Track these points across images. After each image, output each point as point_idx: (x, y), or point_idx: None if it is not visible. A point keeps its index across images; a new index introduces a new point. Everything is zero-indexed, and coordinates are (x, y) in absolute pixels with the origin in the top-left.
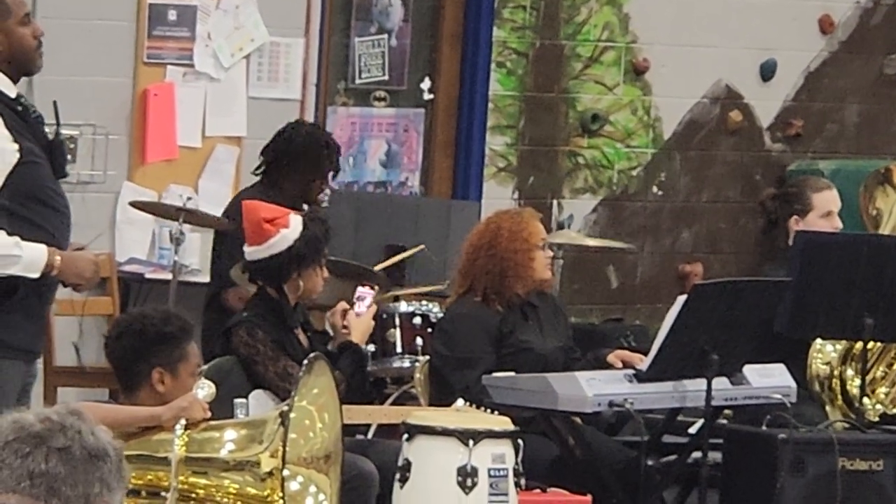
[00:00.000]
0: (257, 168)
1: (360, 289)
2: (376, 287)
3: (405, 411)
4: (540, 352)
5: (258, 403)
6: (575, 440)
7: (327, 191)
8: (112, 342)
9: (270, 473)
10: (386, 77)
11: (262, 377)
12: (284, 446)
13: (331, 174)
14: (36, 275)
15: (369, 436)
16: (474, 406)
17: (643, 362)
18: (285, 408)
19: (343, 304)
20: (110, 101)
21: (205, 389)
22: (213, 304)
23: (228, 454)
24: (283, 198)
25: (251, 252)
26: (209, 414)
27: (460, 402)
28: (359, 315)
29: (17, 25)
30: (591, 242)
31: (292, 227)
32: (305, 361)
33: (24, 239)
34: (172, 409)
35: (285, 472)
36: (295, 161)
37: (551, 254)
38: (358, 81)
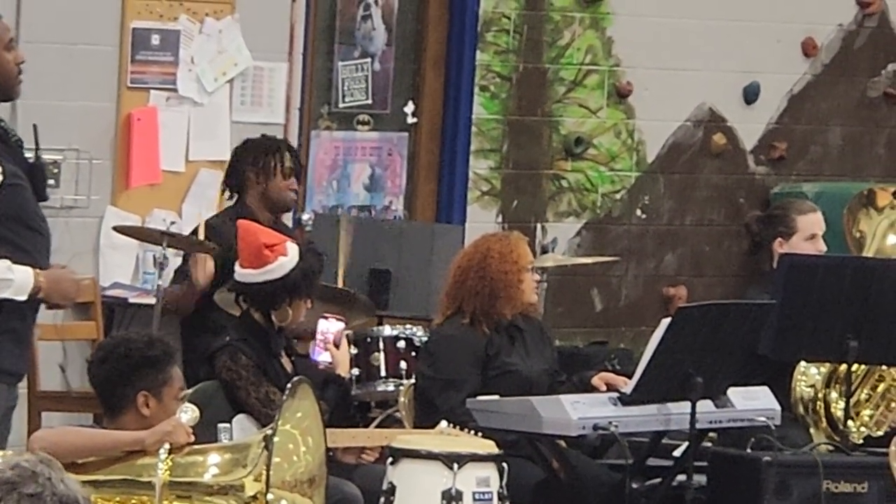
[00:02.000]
0: (223, 192)
1: (321, 323)
2: (340, 318)
3: (389, 434)
4: (525, 374)
5: (241, 428)
6: (559, 463)
7: (309, 215)
8: (96, 366)
9: (255, 497)
10: (369, 101)
11: (244, 402)
12: (268, 470)
13: (292, 176)
14: (24, 297)
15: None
16: (458, 428)
17: (627, 385)
18: (269, 432)
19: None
20: (94, 126)
21: (188, 413)
22: (186, 326)
23: (212, 478)
24: (251, 214)
25: (245, 274)
26: (193, 438)
27: (444, 424)
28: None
29: (1, 50)
30: (577, 260)
31: (290, 255)
32: (289, 385)
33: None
34: (156, 433)
35: (269, 497)
36: (245, 171)
37: (538, 277)
38: (341, 105)
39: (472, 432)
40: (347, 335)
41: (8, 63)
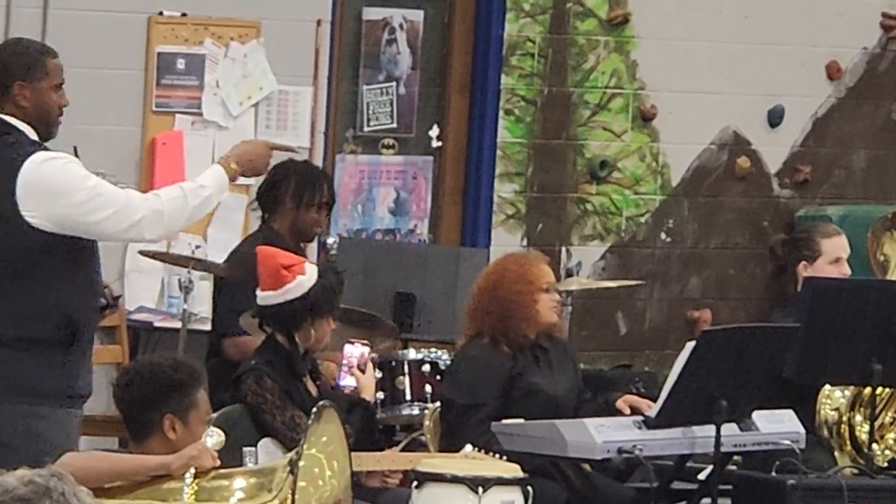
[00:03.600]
0: (253, 209)
1: (346, 348)
2: (365, 342)
3: (414, 458)
4: (551, 394)
5: (267, 452)
6: (585, 487)
7: (334, 239)
8: (121, 390)
9: None
10: (394, 125)
11: (269, 426)
12: (294, 494)
13: (326, 211)
14: (226, 193)
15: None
16: (483, 452)
17: (651, 408)
18: (294, 456)
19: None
20: (119, 150)
21: (214, 438)
22: (213, 352)
23: (238, 502)
24: (279, 239)
25: (265, 297)
26: (219, 462)
27: (469, 448)
28: (361, 371)
29: (48, 89)
30: (602, 284)
31: (308, 274)
32: (314, 409)
33: (68, 273)
34: (182, 457)
35: None
36: (281, 195)
37: (558, 297)
38: (366, 129)
39: (497, 456)
40: (372, 359)
41: (52, 102)
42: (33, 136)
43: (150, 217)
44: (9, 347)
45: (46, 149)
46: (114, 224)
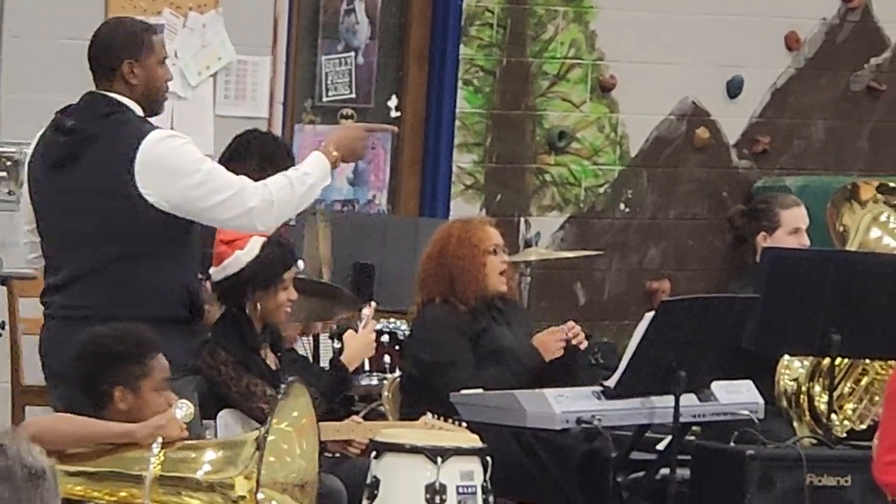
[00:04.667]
0: None
1: (364, 310)
2: (371, 305)
3: (374, 427)
4: (516, 348)
5: (225, 424)
6: (544, 457)
7: None
8: (72, 364)
9: (244, 497)
10: (353, 95)
11: (226, 397)
12: (259, 470)
13: None
14: (328, 180)
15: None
16: (443, 419)
17: (611, 379)
18: (263, 431)
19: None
20: None
21: (183, 409)
22: None
23: (204, 475)
24: None
25: (213, 273)
26: (186, 433)
27: (429, 415)
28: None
29: (155, 65)
30: (561, 254)
31: (248, 249)
32: (283, 387)
33: (186, 250)
34: (148, 426)
35: (259, 496)
36: (248, 166)
37: (506, 259)
38: (325, 99)
39: (457, 422)
40: (331, 329)
41: (160, 77)
42: (141, 113)
43: (262, 207)
44: None
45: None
46: (225, 211)
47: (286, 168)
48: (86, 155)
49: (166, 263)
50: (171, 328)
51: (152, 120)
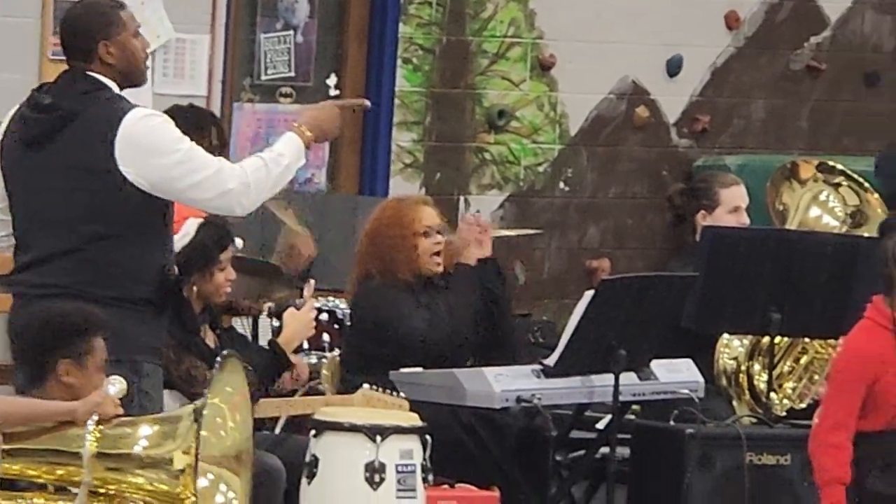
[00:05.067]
0: None
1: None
2: (310, 283)
3: (314, 402)
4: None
5: (166, 405)
6: (484, 436)
7: None
8: (16, 336)
9: (183, 471)
10: (292, 73)
11: (167, 380)
12: (197, 444)
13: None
14: (303, 161)
15: (277, 431)
16: (381, 391)
17: (551, 357)
18: (199, 405)
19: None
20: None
21: (116, 386)
22: None
23: (142, 451)
24: None
25: None
26: (121, 410)
27: (366, 386)
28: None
29: (130, 38)
30: (500, 233)
31: (182, 233)
32: (218, 359)
33: (162, 232)
34: (87, 403)
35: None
36: None
37: (440, 239)
38: (264, 78)
39: (395, 393)
40: (269, 308)
41: (136, 49)
42: (118, 91)
43: (239, 189)
44: (111, 307)
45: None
46: (204, 191)
47: (213, 133)
48: (64, 132)
49: (144, 245)
50: (147, 310)
51: (136, 91)
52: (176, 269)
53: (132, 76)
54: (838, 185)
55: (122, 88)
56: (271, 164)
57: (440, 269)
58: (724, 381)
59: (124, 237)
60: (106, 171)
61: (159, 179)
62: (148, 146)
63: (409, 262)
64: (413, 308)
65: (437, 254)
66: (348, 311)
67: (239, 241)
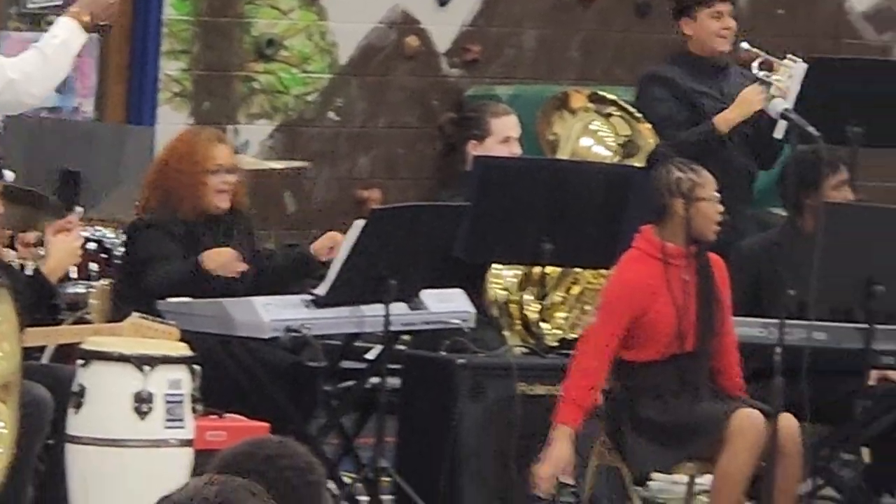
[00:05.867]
0: None
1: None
2: (77, 211)
3: (82, 331)
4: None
5: None
6: (253, 366)
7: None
8: None
9: None
10: (59, 1)
11: None
12: None
13: None
14: (84, 37)
15: (44, 360)
16: (150, 318)
17: (320, 286)
18: None
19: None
20: None
21: None
22: None
23: None
24: None
25: None
26: None
27: (135, 314)
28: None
29: None
30: (270, 164)
31: None
32: None
33: None
34: None
35: None
36: None
37: (229, 178)
38: (30, 6)
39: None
40: (35, 237)
41: None
42: None
43: (22, 78)
44: None
45: None
46: None
47: None
48: None
49: None
50: None
51: None
52: None
53: None
54: (610, 115)
55: None
56: (44, 46)
57: (226, 206)
58: (495, 312)
59: None
60: None
61: None
62: None
63: (194, 198)
64: (173, 250)
65: (224, 191)
66: (116, 240)
67: (9, 174)
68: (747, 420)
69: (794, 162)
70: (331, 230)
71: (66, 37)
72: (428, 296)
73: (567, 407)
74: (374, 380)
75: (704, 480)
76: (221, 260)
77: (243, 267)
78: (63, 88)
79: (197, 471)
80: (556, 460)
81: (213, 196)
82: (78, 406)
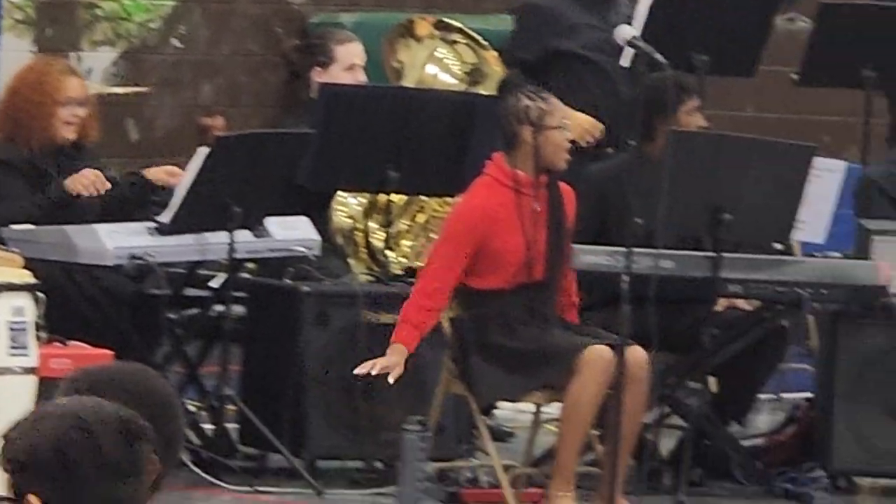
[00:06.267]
0: None
1: None
2: None
3: None
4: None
5: None
6: (96, 293)
7: None
8: None
9: None
10: None
11: None
12: None
13: None
14: None
15: None
16: None
17: (164, 214)
18: None
19: None
20: None
21: None
22: None
23: None
24: None
25: None
26: None
27: None
28: None
29: None
30: (112, 90)
31: None
32: None
33: None
34: None
35: None
36: None
37: (79, 111)
38: None
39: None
40: None
41: None
42: None
43: None
44: None
45: None
46: None
47: None
48: None
49: None
50: None
51: None
52: None
53: None
54: (455, 42)
55: None
56: None
57: (73, 137)
58: (340, 239)
59: None
60: None
61: None
62: None
63: (43, 129)
64: (16, 187)
65: (72, 124)
66: None
67: None
68: (598, 351)
69: (647, 88)
70: (174, 160)
71: None
72: (273, 223)
73: (404, 327)
74: (219, 308)
75: (551, 409)
76: (86, 181)
77: (107, 185)
78: None
79: (41, 398)
80: (382, 364)
81: (61, 127)
82: None
